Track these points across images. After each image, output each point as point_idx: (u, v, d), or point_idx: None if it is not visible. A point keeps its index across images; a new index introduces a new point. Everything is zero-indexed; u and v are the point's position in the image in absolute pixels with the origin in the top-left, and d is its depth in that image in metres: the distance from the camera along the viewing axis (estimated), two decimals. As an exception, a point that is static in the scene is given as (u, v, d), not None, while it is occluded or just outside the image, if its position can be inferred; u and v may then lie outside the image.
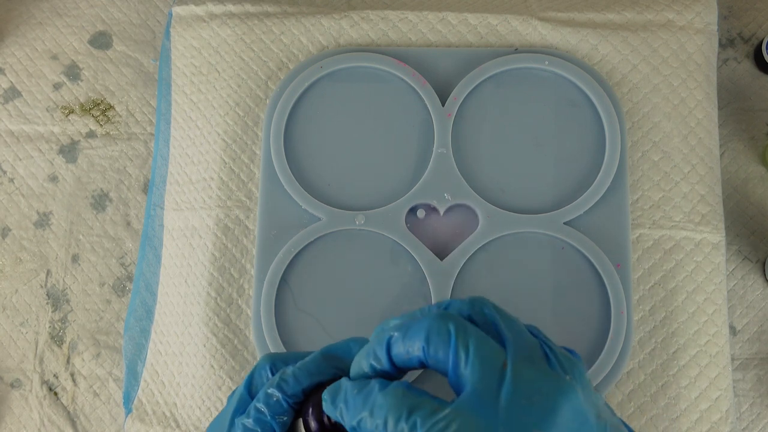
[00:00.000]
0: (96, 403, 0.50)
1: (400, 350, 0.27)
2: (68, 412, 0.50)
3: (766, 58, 0.51)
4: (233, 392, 0.35)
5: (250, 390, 0.34)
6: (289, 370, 0.32)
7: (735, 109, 0.53)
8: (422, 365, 0.27)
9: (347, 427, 0.27)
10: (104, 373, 0.50)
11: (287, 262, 0.46)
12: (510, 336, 0.27)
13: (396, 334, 0.28)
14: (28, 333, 0.52)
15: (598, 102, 0.47)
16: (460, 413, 0.25)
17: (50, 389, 0.50)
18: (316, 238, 0.46)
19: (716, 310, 0.46)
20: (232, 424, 0.33)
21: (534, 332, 0.29)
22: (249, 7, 0.51)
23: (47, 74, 0.55)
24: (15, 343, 0.51)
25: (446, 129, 0.47)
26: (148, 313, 0.50)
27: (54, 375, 0.51)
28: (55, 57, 0.56)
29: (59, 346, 0.51)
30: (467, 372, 0.26)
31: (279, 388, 0.32)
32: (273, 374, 0.34)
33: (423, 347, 0.26)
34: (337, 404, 0.28)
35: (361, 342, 0.34)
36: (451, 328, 0.26)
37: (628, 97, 0.49)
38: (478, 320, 0.28)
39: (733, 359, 0.49)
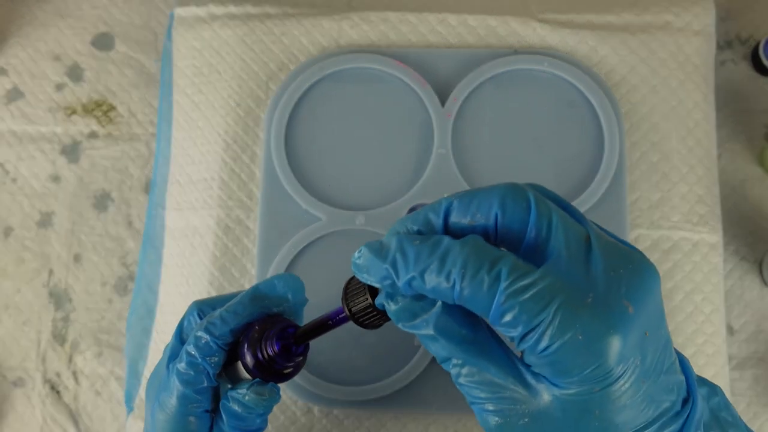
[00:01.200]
0: (98, 402, 0.50)
1: (462, 217, 0.24)
2: (70, 411, 0.50)
3: (763, 60, 0.52)
4: (168, 344, 0.35)
5: (181, 337, 0.35)
6: (216, 312, 0.33)
7: (732, 110, 0.53)
8: (485, 235, 0.24)
9: (401, 283, 0.24)
10: (106, 372, 0.51)
11: (288, 262, 0.46)
12: (582, 215, 0.25)
13: (458, 201, 0.25)
14: (31, 332, 0.52)
15: (596, 103, 0.48)
16: (550, 274, 0.23)
17: (52, 388, 0.51)
18: (316, 238, 0.47)
19: (714, 310, 0.46)
20: (168, 371, 0.33)
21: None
22: (250, 9, 0.52)
23: (50, 75, 0.56)
24: (17, 342, 0.52)
25: (446, 130, 0.48)
26: (150, 313, 0.50)
27: (56, 374, 0.51)
28: (57, 58, 0.56)
29: (61, 345, 0.51)
30: (552, 241, 0.23)
31: (207, 330, 0.32)
32: (201, 319, 0.34)
33: (497, 214, 0.24)
34: (388, 256, 0.24)
35: (285, 278, 0.34)
36: (531, 197, 0.24)
37: (627, 98, 0.49)
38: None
39: (730, 359, 0.49)
